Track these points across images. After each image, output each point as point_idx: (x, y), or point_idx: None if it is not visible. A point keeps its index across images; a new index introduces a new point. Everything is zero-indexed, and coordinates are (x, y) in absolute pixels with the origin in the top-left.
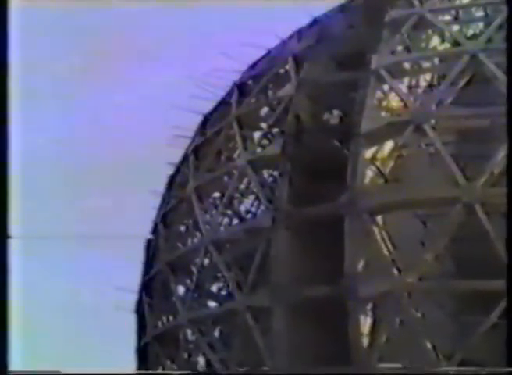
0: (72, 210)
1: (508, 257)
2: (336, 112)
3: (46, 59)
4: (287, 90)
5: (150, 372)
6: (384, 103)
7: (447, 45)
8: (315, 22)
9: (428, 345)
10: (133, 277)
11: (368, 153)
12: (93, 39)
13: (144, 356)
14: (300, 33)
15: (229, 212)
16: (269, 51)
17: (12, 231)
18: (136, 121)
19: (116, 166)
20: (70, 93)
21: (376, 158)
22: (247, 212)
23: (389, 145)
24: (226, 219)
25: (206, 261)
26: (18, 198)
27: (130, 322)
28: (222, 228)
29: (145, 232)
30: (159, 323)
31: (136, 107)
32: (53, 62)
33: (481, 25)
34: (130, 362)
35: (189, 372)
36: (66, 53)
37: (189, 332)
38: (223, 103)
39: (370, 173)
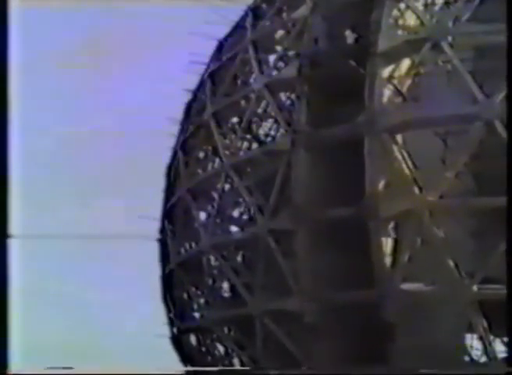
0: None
1: (508, 255)
2: (351, 33)
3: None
4: (302, 11)
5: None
6: (400, 21)
7: None
8: None
9: (451, 264)
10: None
11: (385, 72)
12: None
13: (168, 283)
14: None
15: (248, 136)
16: None
17: (12, 231)
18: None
19: None
20: None
21: (393, 76)
22: (266, 135)
23: (406, 64)
24: (245, 144)
25: (227, 186)
26: (18, 198)
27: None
28: (241, 153)
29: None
30: (182, 250)
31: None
32: None
33: None
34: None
35: None
36: None
37: (212, 258)
38: (238, 27)
39: (388, 92)
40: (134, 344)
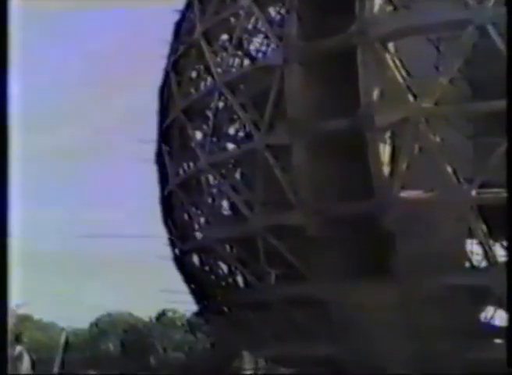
0: None
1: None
2: None
3: None
4: None
5: None
6: None
7: None
8: None
9: (449, 169)
10: None
11: None
12: None
13: (168, 205)
14: None
15: (240, 53)
16: None
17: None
18: None
19: None
20: None
21: None
22: (258, 51)
23: None
24: (237, 61)
25: (221, 104)
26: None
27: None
28: (233, 70)
29: None
30: (180, 171)
31: None
32: None
33: None
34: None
35: None
36: None
37: (210, 177)
38: None
39: (378, 1)
40: None
